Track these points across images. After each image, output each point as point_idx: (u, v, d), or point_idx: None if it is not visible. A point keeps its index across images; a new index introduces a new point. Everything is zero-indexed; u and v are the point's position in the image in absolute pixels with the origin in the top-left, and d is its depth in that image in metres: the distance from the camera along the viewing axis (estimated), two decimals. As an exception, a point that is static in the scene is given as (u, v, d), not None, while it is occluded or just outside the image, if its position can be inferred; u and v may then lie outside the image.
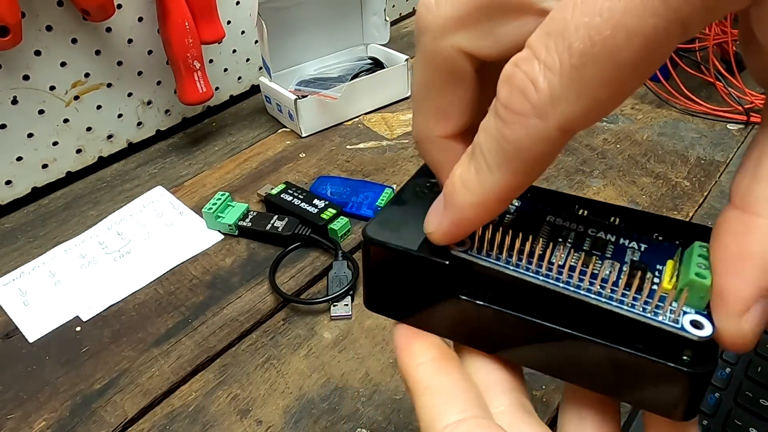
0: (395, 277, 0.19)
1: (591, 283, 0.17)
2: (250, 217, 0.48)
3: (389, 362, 0.38)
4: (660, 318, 0.16)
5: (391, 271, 0.19)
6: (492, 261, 0.18)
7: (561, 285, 0.17)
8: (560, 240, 0.19)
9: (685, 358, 0.16)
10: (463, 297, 0.18)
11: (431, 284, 0.19)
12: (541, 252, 0.18)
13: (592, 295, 0.17)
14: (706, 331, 0.16)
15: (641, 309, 0.16)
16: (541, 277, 0.17)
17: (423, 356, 0.19)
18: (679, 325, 0.16)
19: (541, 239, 0.19)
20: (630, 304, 0.17)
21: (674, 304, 0.16)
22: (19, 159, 0.52)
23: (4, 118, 0.50)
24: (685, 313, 0.16)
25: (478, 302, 0.18)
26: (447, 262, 0.18)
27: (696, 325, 0.16)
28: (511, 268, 0.18)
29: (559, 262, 0.18)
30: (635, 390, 0.17)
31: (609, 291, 0.17)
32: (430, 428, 0.17)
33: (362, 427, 0.35)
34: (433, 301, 0.19)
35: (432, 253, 0.18)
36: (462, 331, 0.19)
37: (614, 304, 0.17)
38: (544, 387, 0.36)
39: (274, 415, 0.36)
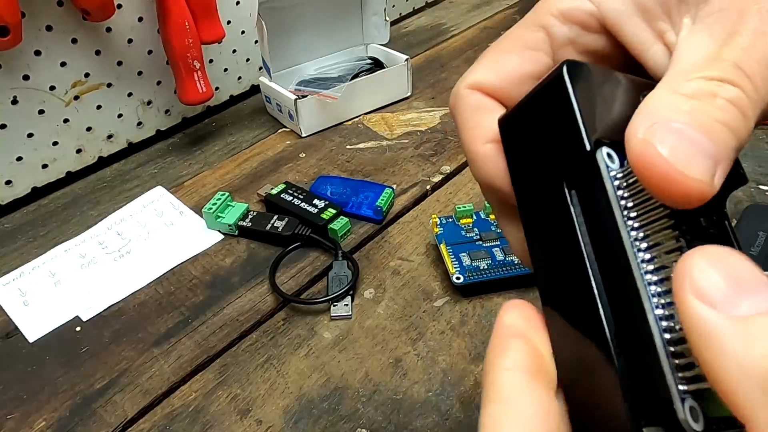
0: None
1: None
2: (250, 217, 0.48)
3: (389, 362, 0.38)
4: (667, 369, 0.14)
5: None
6: (622, 196, 0.16)
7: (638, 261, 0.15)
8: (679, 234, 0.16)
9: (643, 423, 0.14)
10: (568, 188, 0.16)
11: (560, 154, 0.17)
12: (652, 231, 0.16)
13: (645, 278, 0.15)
14: (699, 426, 0.14)
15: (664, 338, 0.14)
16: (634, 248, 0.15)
17: (516, 360, 0.16)
18: (678, 397, 0.14)
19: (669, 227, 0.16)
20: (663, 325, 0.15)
21: (698, 381, 0.14)
22: (19, 159, 0.52)
23: (4, 118, 0.50)
24: (687, 396, 0.14)
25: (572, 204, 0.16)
26: (588, 149, 0.16)
27: (694, 414, 0.14)
28: (623, 217, 0.16)
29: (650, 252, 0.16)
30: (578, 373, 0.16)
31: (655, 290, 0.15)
32: None
33: (362, 427, 0.35)
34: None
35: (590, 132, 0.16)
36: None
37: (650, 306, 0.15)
38: (544, 387, 0.36)
39: (274, 415, 0.36)
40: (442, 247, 0.43)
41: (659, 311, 0.15)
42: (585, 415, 0.16)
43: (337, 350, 0.39)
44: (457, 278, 0.41)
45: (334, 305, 0.41)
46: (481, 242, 0.43)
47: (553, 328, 0.17)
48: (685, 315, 0.13)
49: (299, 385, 0.37)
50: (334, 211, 0.47)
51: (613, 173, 0.16)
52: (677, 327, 0.14)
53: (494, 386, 0.16)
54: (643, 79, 0.18)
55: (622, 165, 0.16)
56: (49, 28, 0.50)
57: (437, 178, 0.54)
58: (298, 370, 0.38)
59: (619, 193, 0.16)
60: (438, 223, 0.45)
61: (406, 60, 0.63)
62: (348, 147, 0.58)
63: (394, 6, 0.84)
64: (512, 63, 0.20)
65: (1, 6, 0.43)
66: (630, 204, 0.16)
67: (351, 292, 0.42)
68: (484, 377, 0.17)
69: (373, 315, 0.41)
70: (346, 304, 0.41)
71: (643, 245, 0.15)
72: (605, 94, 0.17)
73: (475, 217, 0.45)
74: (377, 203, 0.49)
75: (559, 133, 0.17)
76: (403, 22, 0.84)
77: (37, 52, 0.50)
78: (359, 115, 0.63)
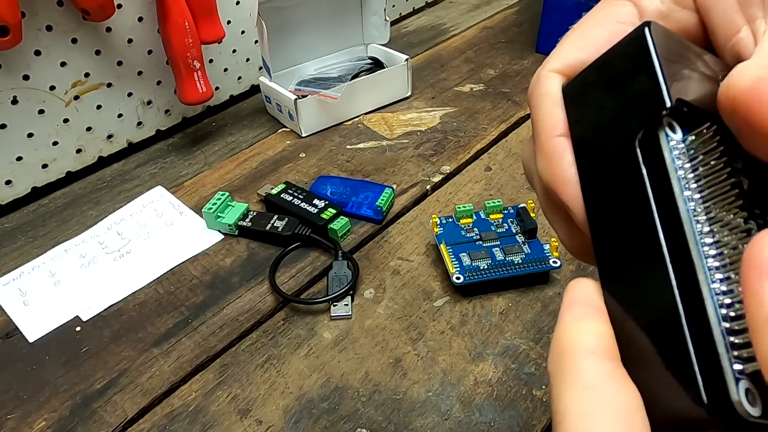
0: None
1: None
2: (250, 217, 0.48)
3: (389, 362, 0.38)
4: (721, 350, 0.14)
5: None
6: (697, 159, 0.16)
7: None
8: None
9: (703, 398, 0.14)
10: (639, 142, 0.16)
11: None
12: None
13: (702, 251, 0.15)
14: (756, 410, 0.13)
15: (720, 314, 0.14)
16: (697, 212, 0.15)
17: (599, 342, 0.15)
18: (732, 377, 0.13)
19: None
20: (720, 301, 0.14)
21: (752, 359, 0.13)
22: (19, 159, 0.52)
23: (4, 118, 0.50)
24: (743, 378, 0.14)
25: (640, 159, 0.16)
26: (669, 105, 0.15)
27: (751, 397, 0.13)
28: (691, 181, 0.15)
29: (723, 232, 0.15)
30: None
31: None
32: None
33: (362, 427, 0.35)
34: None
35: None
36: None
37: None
38: (544, 387, 0.36)
39: (274, 415, 0.36)
40: (442, 247, 0.43)
41: (716, 286, 0.14)
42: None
43: (337, 350, 0.39)
44: (457, 278, 0.41)
45: (334, 305, 0.41)
46: (481, 242, 0.43)
47: (615, 311, 0.16)
48: (753, 298, 0.12)
49: (299, 385, 0.37)
50: (334, 211, 0.47)
51: (675, 143, 0.16)
52: (735, 304, 0.14)
53: (576, 371, 0.15)
54: (720, 60, 0.17)
55: (684, 137, 0.16)
56: (49, 28, 0.50)
57: (437, 178, 0.54)
58: (298, 370, 0.38)
59: (680, 163, 0.15)
60: (438, 223, 0.45)
61: (406, 60, 0.63)
62: (348, 147, 0.58)
63: (394, 6, 0.84)
64: (600, 37, 0.18)
65: (1, 6, 0.43)
66: (692, 175, 0.15)
67: (351, 292, 0.42)
68: (559, 359, 0.15)
69: (373, 315, 0.41)
70: (346, 304, 0.41)
71: (704, 218, 0.15)
72: (683, 61, 0.16)
73: (475, 217, 0.45)
74: (377, 203, 0.49)
75: (634, 92, 0.16)
76: (403, 22, 0.84)
77: (37, 52, 0.50)
78: (359, 115, 0.63)
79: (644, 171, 0.16)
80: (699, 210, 0.15)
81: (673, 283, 0.15)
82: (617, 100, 0.17)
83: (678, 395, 0.14)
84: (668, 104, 0.15)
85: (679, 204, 0.15)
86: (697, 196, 0.15)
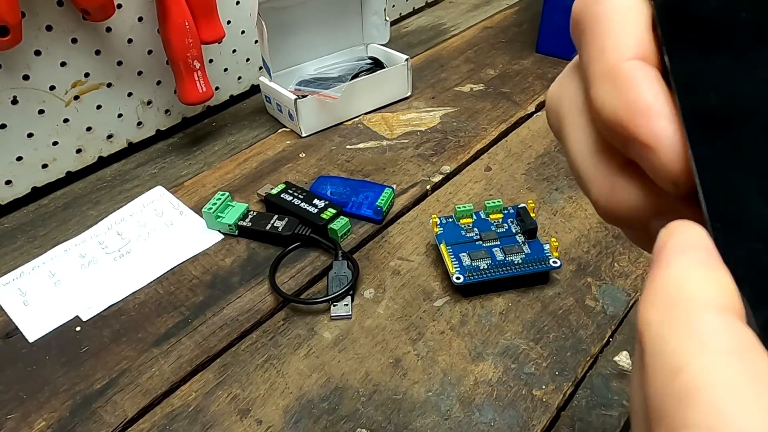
0: None
1: None
2: (250, 217, 0.48)
3: (389, 362, 0.38)
4: None
5: None
6: None
7: None
8: None
9: None
10: None
11: None
12: None
13: None
14: None
15: None
16: None
17: (727, 298, 0.12)
18: None
19: None
20: None
21: None
22: (19, 159, 0.52)
23: (4, 118, 0.50)
24: None
25: None
26: None
27: None
28: None
29: None
30: None
31: None
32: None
33: (362, 427, 0.35)
34: None
35: None
36: None
37: None
38: (544, 387, 0.36)
39: (274, 415, 0.36)
40: (442, 247, 0.43)
41: None
42: None
43: (337, 350, 0.39)
44: (457, 278, 0.41)
45: (334, 305, 0.41)
46: (481, 242, 0.43)
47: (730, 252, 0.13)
48: None
49: (299, 385, 0.37)
50: (334, 211, 0.47)
51: None
52: None
53: (709, 330, 0.12)
54: None
55: None
56: (49, 28, 0.50)
57: (437, 178, 0.54)
58: (298, 370, 0.38)
59: None
60: (438, 223, 0.45)
61: (406, 60, 0.63)
62: (348, 147, 0.58)
63: (394, 6, 0.84)
64: None
65: (1, 6, 0.43)
66: None
67: (351, 292, 0.42)
68: (674, 312, 0.12)
69: (373, 315, 0.41)
70: (346, 304, 0.41)
71: None
72: None
73: (475, 217, 0.45)
74: (377, 203, 0.49)
75: None
76: (403, 22, 0.84)
77: (37, 52, 0.50)
78: (359, 115, 0.63)
79: None
80: None
81: None
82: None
83: None
84: None
85: None
86: None
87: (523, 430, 0.34)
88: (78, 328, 0.42)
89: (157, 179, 0.56)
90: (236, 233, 0.48)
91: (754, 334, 0.12)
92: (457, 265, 0.42)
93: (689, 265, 0.13)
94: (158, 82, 0.60)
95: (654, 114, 0.14)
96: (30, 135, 0.52)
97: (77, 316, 0.42)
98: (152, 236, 0.49)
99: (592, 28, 0.16)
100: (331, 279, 0.43)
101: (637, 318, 0.13)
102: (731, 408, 0.11)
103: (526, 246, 0.43)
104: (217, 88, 0.65)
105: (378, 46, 0.67)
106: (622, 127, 0.14)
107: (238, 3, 0.63)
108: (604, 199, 0.16)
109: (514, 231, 0.44)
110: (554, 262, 0.42)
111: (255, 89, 0.69)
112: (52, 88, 0.52)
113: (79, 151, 0.56)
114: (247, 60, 0.67)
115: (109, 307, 0.43)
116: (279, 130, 0.62)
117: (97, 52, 0.54)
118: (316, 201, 0.48)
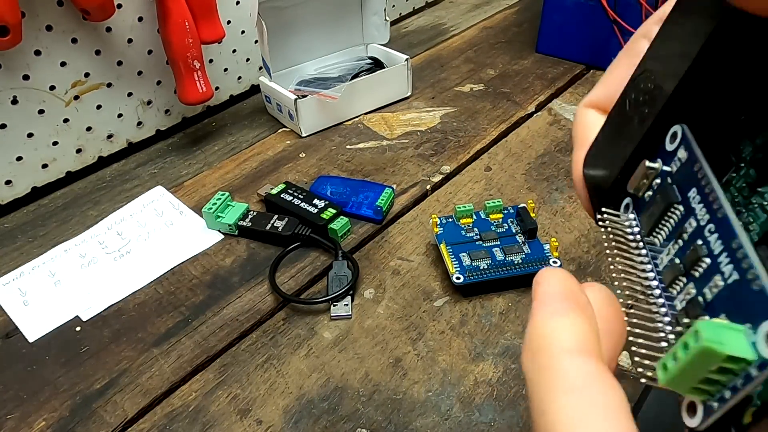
0: None
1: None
2: (250, 217, 0.48)
3: (389, 362, 0.38)
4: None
5: None
6: None
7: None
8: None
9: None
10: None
11: None
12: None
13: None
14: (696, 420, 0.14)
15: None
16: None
17: (579, 341, 0.15)
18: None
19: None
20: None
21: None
22: (19, 159, 0.52)
23: (4, 118, 0.50)
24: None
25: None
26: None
27: (690, 410, 0.14)
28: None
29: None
30: None
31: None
32: None
33: (362, 427, 0.35)
34: None
35: None
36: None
37: None
38: (544, 387, 0.36)
39: (274, 415, 0.36)
40: (442, 247, 0.43)
41: None
42: None
43: (337, 350, 0.39)
44: (457, 278, 0.41)
45: (334, 305, 0.41)
46: (481, 242, 0.43)
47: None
48: None
49: (299, 385, 0.37)
50: (334, 211, 0.47)
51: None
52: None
53: (558, 373, 0.15)
54: None
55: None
56: (49, 28, 0.50)
57: (437, 178, 0.54)
58: (298, 370, 0.38)
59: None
60: (438, 223, 0.45)
61: (406, 60, 0.63)
62: (348, 147, 0.58)
63: (394, 6, 0.84)
64: (621, 73, 0.20)
65: (1, 6, 0.43)
66: None
67: (351, 292, 0.42)
68: (536, 359, 0.15)
69: (373, 315, 0.41)
70: (346, 304, 0.41)
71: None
72: None
73: (475, 217, 0.45)
74: (377, 203, 0.49)
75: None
76: (403, 22, 0.84)
77: (37, 52, 0.50)
78: (359, 115, 0.63)
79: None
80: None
81: None
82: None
83: None
84: None
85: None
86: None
87: (523, 430, 0.34)
88: (78, 328, 0.42)
89: (157, 179, 0.56)
90: (236, 233, 0.48)
91: (602, 366, 0.15)
92: (457, 265, 0.42)
93: (547, 317, 0.16)
94: (158, 82, 0.60)
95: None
96: (30, 135, 0.52)
97: (77, 316, 0.42)
98: (152, 236, 0.49)
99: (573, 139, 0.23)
100: (331, 279, 0.43)
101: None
102: None
103: (526, 246, 0.43)
104: (217, 88, 0.65)
105: (378, 46, 0.67)
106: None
107: (238, 3, 0.63)
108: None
109: (514, 231, 0.44)
110: (554, 262, 0.42)
111: (255, 89, 0.69)
112: (52, 88, 0.52)
113: (79, 151, 0.56)
114: (247, 60, 0.67)
115: (109, 307, 0.43)
116: (279, 130, 0.62)
117: (97, 52, 0.54)
118: (316, 201, 0.48)
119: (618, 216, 0.19)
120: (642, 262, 0.17)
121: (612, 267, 0.18)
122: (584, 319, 0.16)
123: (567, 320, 0.15)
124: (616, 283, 0.18)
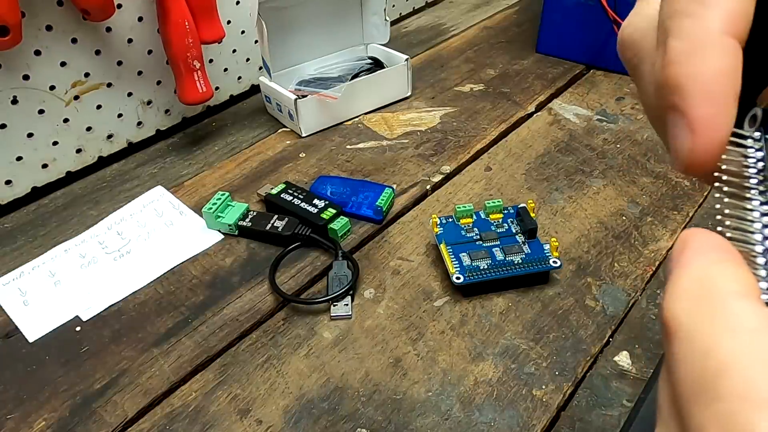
0: None
1: None
2: (250, 217, 0.48)
3: (389, 362, 0.38)
4: None
5: None
6: None
7: None
8: None
9: None
10: None
11: None
12: None
13: None
14: None
15: None
16: None
17: (745, 286, 0.14)
18: None
19: None
20: None
21: None
22: (19, 159, 0.52)
23: (4, 118, 0.50)
24: None
25: None
26: None
27: None
28: None
29: None
30: None
31: None
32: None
33: (362, 427, 0.35)
34: None
35: None
36: None
37: None
38: (544, 387, 0.36)
39: (274, 415, 0.36)
40: (442, 247, 0.43)
41: None
42: None
43: (337, 350, 0.39)
44: (457, 278, 0.41)
45: (334, 305, 0.41)
46: (481, 242, 0.43)
47: None
48: None
49: (299, 385, 0.37)
50: (334, 211, 0.47)
51: None
52: None
53: (733, 314, 0.13)
54: None
55: None
56: (49, 28, 0.50)
57: (437, 178, 0.54)
58: (298, 370, 0.38)
59: None
60: (438, 222, 0.45)
61: (406, 60, 0.63)
62: (348, 147, 0.58)
63: (394, 6, 0.84)
64: None
65: (1, 6, 0.43)
66: None
67: (351, 292, 0.42)
68: (700, 302, 0.14)
69: (373, 315, 0.41)
70: (346, 304, 0.41)
71: None
72: None
73: (475, 217, 0.45)
74: (377, 203, 0.49)
75: None
76: (403, 22, 0.84)
77: (37, 52, 0.50)
78: (359, 115, 0.63)
79: None
80: None
81: None
82: None
83: None
84: None
85: None
86: None
87: (523, 430, 0.34)
88: (78, 328, 0.42)
89: (157, 179, 0.56)
90: (236, 233, 0.48)
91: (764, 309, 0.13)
92: (457, 265, 0.42)
93: (710, 263, 0.14)
94: (158, 82, 0.60)
95: (709, 97, 0.15)
96: (30, 135, 0.52)
97: (77, 316, 0.42)
98: (152, 236, 0.49)
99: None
100: (331, 279, 0.43)
101: (662, 314, 0.14)
102: (760, 378, 0.12)
103: (526, 246, 0.43)
104: (217, 88, 0.65)
105: (378, 46, 0.67)
106: (676, 91, 0.15)
107: (238, 3, 0.63)
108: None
109: (514, 231, 0.44)
110: (554, 262, 0.42)
111: (255, 89, 0.69)
112: (52, 88, 0.52)
113: (79, 151, 0.56)
114: (247, 60, 0.67)
115: (109, 307, 0.43)
116: (279, 130, 0.62)
117: (97, 52, 0.54)
118: (316, 201, 0.48)
119: (741, 134, 0.15)
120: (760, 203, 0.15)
121: (718, 206, 0.15)
122: (745, 267, 0.15)
123: (731, 266, 0.14)
124: (719, 228, 0.15)
